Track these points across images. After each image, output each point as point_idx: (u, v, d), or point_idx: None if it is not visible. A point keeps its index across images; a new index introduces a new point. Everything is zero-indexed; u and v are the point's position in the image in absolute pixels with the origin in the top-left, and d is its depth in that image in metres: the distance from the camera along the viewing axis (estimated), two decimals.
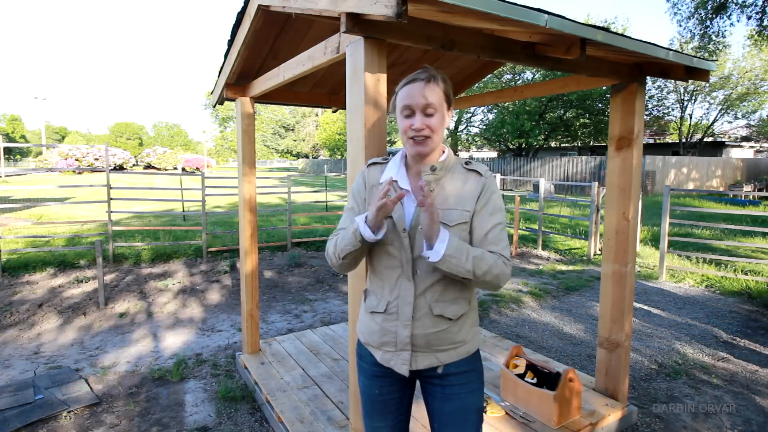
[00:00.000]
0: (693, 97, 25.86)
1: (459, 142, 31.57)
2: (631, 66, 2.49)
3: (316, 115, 49.93)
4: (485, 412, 2.57)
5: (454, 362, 1.40)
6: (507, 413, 2.56)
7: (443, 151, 1.40)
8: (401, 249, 1.34)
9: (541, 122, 24.62)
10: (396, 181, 1.37)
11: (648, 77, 2.58)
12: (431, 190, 1.34)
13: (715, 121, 27.07)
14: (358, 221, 1.30)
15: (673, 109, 26.67)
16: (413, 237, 1.32)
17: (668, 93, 25.43)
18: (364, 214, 1.32)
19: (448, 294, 1.36)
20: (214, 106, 3.50)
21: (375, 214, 1.24)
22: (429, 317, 1.35)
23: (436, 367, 1.39)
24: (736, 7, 12.72)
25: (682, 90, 25.25)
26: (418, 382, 1.51)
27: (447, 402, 1.42)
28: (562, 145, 30.84)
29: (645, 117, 17.31)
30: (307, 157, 52.45)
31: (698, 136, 27.22)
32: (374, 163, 1.48)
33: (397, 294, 1.36)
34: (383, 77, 1.68)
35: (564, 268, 6.97)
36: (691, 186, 21.01)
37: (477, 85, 16.69)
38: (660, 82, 23.55)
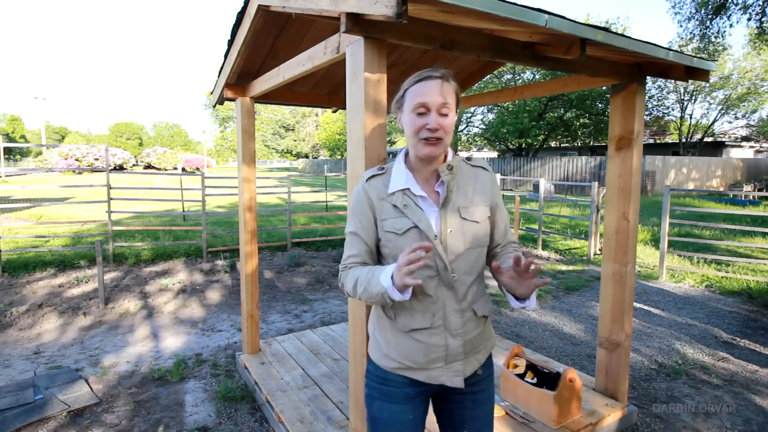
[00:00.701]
0: (693, 97, 25.87)
1: (459, 142, 31.58)
2: (631, 66, 2.49)
3: (316, 115, 49.95)
4: None
5: (484, 363, 1.41)
6: (507, 413, 2.56)
7: (449, 152, 1.37)
8: (435, 257, 1.27)
9: (541, 122, 24.63)
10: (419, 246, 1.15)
11: (648, 77, 2.58)
12: (450, 190, 1.30)
13: (715, 121, 27.08)
14: (385, 285, 1.16)
15: (673, 109, 26.70)
16: (444, 242, 1.27)
17: (668, 93, 25.43)
18: (389, 273, 1.17)
19: (480, 291, 1.37)
20: (214, 106, 3.51)
21: (400, 284, 1.12)
22: (474, 320, 1.34)
23: (475, 372, 1.37)
24: (737, 8, 12.72)
25: (682, 90, 25.26)
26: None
27: (479, 407, 1.40)
28: (562, 145, 30.84)
29: (645, 117, 17.31)
30: (307, 157, 52.46)
31: (698, 136, 27.23)
32: (373, 176, 1.36)
33: (441, 304, 1.29)
34: (383, 77, 1.68)
35: (564, 268, 6.97)
36: (691, 186, 21.02)
37: (477, 85, 16.69)
38: (660, 82, 23.55)
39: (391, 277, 1.15)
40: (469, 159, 1.40)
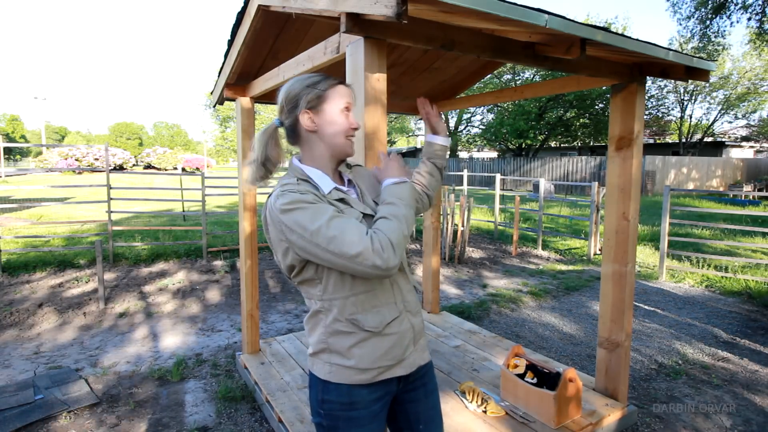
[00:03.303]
0: (693, 97, 25.88)
1: (459, 143, 31.56)
2: (631, 66, 2.49)
3: None
4: (485, 412, 2.57)
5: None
6: (507, 413, 2.56)
7: None
8: None
9: (540, 122, 24.64)
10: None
11: (648, 77, 2.58)
12: (360, 185, 1.40)
13: (715, 121, 27.10)
14: (410, 190, 1.30)
15: (673, 109, 26.71)
16: None
17: (668, 93, 25.45)
18: (390, 181, 1.31)
19: (407, 267, 1.42)
20: (214, 106, 3.51)
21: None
22: (412, 292, 1.41)
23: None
24: (736, 8, 12.72)
25: (681, 90, 25.27)
26: None
27: (430, 396, 1.44)
28: (562, 145, 30.85)
29: (645, 117, 17.32)
30: None
31: (698, 136, 27.24)
32: (300, 180, 1.27)
33: (398, 288, 1.32)
34: (383, 77, 1.68)
35: (564, 268, 6.97)
36: (691, 186, 21.02)
37: (477, 85, 16.69)
38: (660, 82, 23.56)
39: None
40: (348, 166, 1.46)
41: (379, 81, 1.67)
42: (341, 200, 1.27)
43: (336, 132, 1.30)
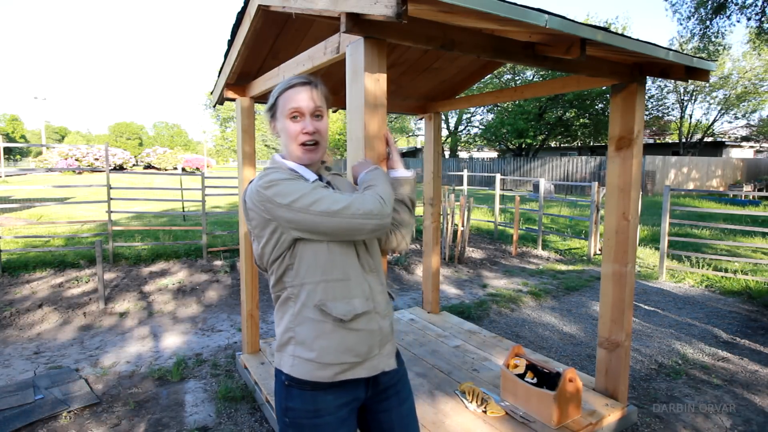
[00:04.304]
0: (693, 97, 25.88)
1: (459, 143, 31.56)
2: (631, 66, 2.49)
3: None
4: (485, 412, 2.57)
5: (397, 354, 1.41)
6: (507, 413, 2.56)
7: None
8: (358, 244, 1.29)
9: (540, 122, 24.64)
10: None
11: (648, 77, 2.58)
12: (337, 188, 1.36)
13: (715, 121, 27.10)
14: (383, 172, 1.33)
15: (673, 109, 26.70)
16: None
17: (668, 93, 25.45)
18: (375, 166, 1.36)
19: (381, 270, 1.39)
20: (214, 106, 3.51)
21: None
22: (389, 303, 1.38)
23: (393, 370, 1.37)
24: (736, 8, 12.72)
25: (681, 90, 25.27)
26: None
27: (404, 403, 1.41)
28: (561, 145, 30.85)
29: (645, 117, 17.32)
30: None
31: (698, 136, 27.24)
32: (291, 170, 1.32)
33: (369, 288, 1.29)
34: (383, 77, 1.68)
35: (564, 268, 6.97)
36: (691, 186, 21.02)
37: (477, 85, 16.70)
38: (660, 82, 23.56)
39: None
40: (328, 168, 1.46)
41: (379, 81, 1.67)
42: (327, 185, 1.30)
43: (287, 141, 1.29)
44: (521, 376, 2.66)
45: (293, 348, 1.25)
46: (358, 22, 1.57)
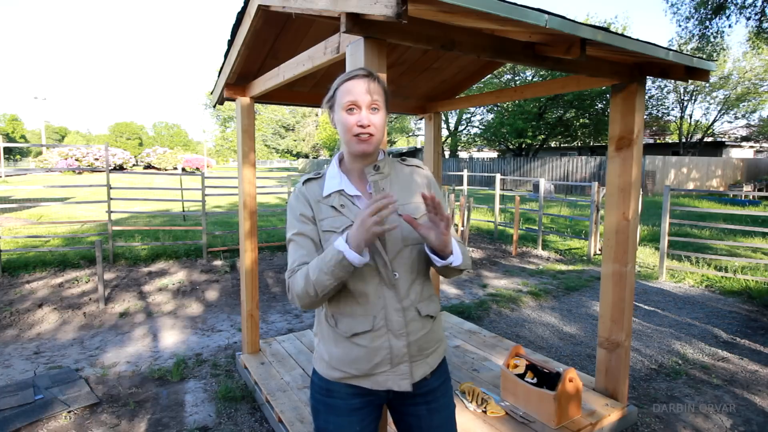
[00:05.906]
0: (693, 97, 25.88)
1: (459, 143, 31.57)
2: (631, 66, 2.49)
3: (316, 115, 49.94)
4: (485, 412, 2.57)
5: (437, 369, 1.37)
6: (507, 413, 2.56)
7: (380, 152, 1.36)
8: (375, 254, 1.25)
9: (540, 122, 24.64)
10: (353, 196, 1.29)
11: (648, 77, 2.58)
12: (383, 189, 1.30)
13: (714, 121, 27.10)
14: (341, 248, 1.12)
15: (673, 109, 26.72)
16: (384, 238, 1.26)
17: (668, 93, 25.45)
18: (343, 238, 1.14)
19: (425, 291, 1.34)
20: (214, 106, 3.51)
21: (367, 237, 1.09)
22: (418, 320, 1.30)
23: (423, 380, 1.34)
24: (735, 8, 12.72)
25: (681, 90, 25.27)
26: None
27: (436, 415, 1.38)
28: (562, 145, 30.85)
29: (645, 117, 17.30)
30: (307, 157, 52.46)
31: (698, 136, 27.24)
32: (309, 179, 1.37)
33: (382, 304, 1.26)
34: (383, 77, 1.68)
35: (564, 268, 6.97)
36: (691, 186, 21.02)
37: (477, 85, 16.69)
38: (660, 82, 23.56)
39: (346, 241, 1.13)
40: (403, 159, 1.42)
41: None
42: (333, 207, 1.29)
43: (342, 131, 1.28)
44: (521, 376, 2.66)
45: (318, 342, 1.40)
46: (358, 22, 1.57)
